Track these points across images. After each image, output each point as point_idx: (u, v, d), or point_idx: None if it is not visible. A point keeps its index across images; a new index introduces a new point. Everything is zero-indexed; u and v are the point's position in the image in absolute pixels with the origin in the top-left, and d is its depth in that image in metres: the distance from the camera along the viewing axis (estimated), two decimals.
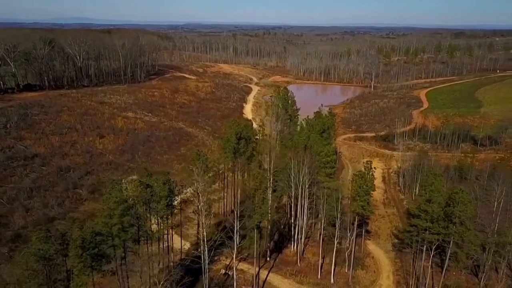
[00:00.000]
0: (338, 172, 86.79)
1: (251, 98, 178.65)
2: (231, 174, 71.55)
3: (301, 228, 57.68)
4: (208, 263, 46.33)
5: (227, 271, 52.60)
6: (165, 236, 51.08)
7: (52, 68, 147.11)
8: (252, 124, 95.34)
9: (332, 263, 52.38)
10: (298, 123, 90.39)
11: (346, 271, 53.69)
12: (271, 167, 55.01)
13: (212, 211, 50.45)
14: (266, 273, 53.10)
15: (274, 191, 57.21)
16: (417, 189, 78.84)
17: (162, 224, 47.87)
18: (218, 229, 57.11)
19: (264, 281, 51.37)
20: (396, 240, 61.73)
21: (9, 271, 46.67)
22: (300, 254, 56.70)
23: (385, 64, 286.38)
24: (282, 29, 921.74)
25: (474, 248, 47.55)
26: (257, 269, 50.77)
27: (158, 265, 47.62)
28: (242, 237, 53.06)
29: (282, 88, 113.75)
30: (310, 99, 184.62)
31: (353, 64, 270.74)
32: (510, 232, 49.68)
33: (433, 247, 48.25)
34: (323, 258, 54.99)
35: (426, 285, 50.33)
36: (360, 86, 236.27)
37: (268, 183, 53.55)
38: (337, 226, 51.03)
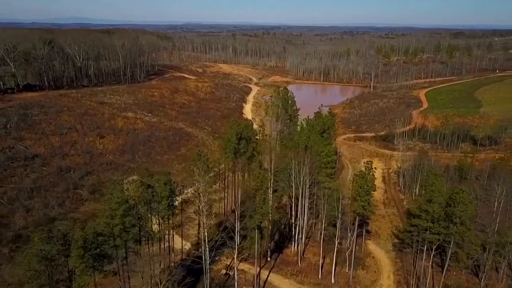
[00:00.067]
0: (338, 172, 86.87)
1: (250, 98, 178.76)
2: (231, 174, 71.64)
3: (302, 228, 57.77)
4: (209, 263, 46.40)
5: (228, 271, 52.66)
6: (166, 236, 51.12)
7: (51, 68, 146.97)
8: (252, 124, 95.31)
9: (332, 263, 52.48)
10: (298, 123, 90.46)
11: (347, 271, 53.78)
12: (272, 167, 55.11)
13: (213, 211, 50.47)
14: (267, 273, 53.18)
15: (274, 191, 57.28)
16: (417, 189, 79.00)
17: (163, 225, 47.90)
18: (219, 229, 57.17)
19: (265, 281, 51.45)
20: (396, 240, 61.87)
21: (10, 272, 46.66)
22: (301, 254, 56.77)
23: (384, 64, 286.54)
24: (282, 29, 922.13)
25: (474, 248, 47.69)
26: (258, 269, 50.86)
27: (160, 265, 47.68)
28: (243, 237, 53.05)
29: (282, 88, 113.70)
30: (309, 99, 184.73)
31: (353, 64, 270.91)
32: (510, 232, 49.77)
33: (434, 247, 48.41)
34: (324, 258, 55.09)
35: (427, 285, 50.44)
36: (360, 86, 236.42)
37: (269, 183, 53.63)
38: (337, 226, 51.11)
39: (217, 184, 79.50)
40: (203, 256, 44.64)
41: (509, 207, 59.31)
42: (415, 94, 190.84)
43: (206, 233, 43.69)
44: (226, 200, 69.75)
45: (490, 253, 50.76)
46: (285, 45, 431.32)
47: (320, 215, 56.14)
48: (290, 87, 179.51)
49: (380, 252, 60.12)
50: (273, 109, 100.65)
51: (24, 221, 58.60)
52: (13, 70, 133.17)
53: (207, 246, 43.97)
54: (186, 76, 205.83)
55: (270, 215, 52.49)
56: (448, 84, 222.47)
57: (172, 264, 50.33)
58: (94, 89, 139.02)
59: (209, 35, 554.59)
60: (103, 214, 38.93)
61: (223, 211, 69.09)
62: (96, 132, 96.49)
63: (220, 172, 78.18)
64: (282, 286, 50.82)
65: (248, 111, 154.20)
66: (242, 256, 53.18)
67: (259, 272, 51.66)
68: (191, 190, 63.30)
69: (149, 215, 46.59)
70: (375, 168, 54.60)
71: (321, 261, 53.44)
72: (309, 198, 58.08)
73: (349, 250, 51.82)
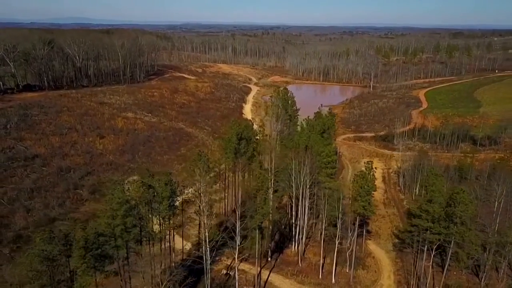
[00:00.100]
0: (338, 172, 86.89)
1: (250, 98, 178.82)
2: (232, 174, 71.67)
3: (302, 228, 57.85)
4: (210, 264, 46.43)
5: (228, 272, 52.74)
6: (167, 236, 51.15)
7: (51, 68, 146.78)
8: (252, 125, 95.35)
9: (333, 263, 52.57)
10: (298, 123, 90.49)
11: (347, 271, 53.87)
12: (272, 168, 55.15)
13: (214, 212, 50.52)
14: (268, 273, 53.25)
15: (275, 191, 57.34)
16: (417, 189, 79.13)
17: (164, 225, 47.93)
18: (220, 229, 57.15)
19: (266, 281, 51.51)
20: (396, 240, 61.98)
21: (10, 272, 46.62)
22: (301, 254, 56.84)
23: (384, 64, 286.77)
24: (281, 29, 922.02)
25: (475, 248, 47.81)
26: (258, 269, 50.96)
27: (160, 265, 47.74)
28: (244, 237, 53.05)
29: (281, 88, 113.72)
30: (309, 99, 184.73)
31: (352, 64, 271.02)
32: (510, 232, 49.90)
33: (434, 247, 48.49)
34: (324, 258, 55.17)
35: (427, 284, 50.53)
36: (359, 86, 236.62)
37: (269, 183, 53.68)
38: (338, 226, 51.17)
39: (218, 184, 79.54)
40: (204, 256, 44.70)
41: (509, 207, 59.45)
42: (415, 94, 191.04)
43: (206, 233, 43.74)
44: (226, 200, 69.80)
45: (490, 253, 50.88)
46: (285, 45, 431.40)
47: (320, 215, 56.21)
48: (289, 87, 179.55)
49: (380, 252, 60.21)
50: (273, 109, 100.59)
51: (24, 222, 58.57)
52: (12, 70, 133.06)
53: (207, 246, 44.02)
54: (186, 76, 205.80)
55: (271, 215, 52.56)
56: (448, 84, 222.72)
57: (173, 264, 50.37)
58: (94, 89, 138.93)
59: (209, 35, 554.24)
60: (104, 215, 38.97)
61: (223, 211, 69.13)
62: (96, 132, 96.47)
63: (221, 172, 78.20)
64: (283, 286, 50.88)
65: (248, 111, 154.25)
66: (243, 256, 53.25)
67: (260, 272, 51.74)
68: (191, 190, 63.30)
69: (150, 216, 46.61)
70: (375, 168, 54.71)
71: (321, 261, 53.52)
72: (309, 198, 58.14)
73: (349, 250, 51.90)
